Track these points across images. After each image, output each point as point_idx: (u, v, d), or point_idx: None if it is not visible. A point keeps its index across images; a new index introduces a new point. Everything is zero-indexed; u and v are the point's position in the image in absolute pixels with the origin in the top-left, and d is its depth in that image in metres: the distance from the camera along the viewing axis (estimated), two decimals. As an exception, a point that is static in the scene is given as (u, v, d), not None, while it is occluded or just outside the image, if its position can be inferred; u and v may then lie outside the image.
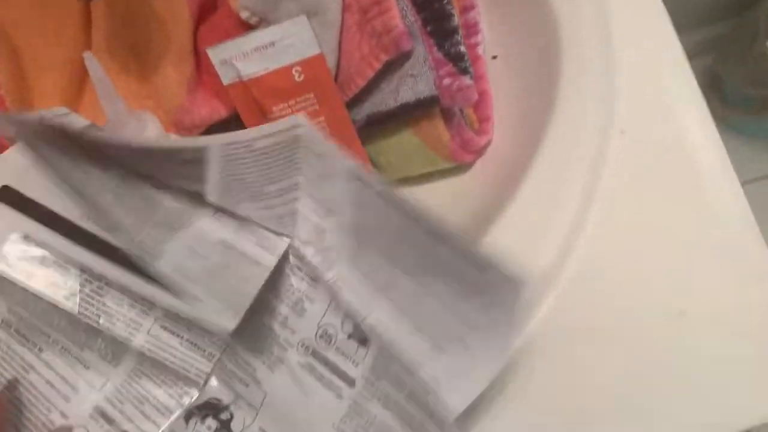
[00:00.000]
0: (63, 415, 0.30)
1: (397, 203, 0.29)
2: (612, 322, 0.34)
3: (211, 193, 0.30)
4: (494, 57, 0.42)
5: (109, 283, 0.30)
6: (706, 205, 0.34)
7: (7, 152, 0.30)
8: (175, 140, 0.36)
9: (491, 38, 0.42)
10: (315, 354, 0.31)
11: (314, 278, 0.31)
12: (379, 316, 0.31)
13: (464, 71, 0.36)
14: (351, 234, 0.31)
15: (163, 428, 0.30)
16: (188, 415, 0.31)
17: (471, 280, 0.29)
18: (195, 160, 0.29)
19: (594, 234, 0.34)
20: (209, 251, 0.30)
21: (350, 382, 0.30)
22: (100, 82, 0.32)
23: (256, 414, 0.31)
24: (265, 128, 0.30)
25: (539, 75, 0.39)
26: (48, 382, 0.31)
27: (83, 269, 0.30)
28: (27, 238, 0.29)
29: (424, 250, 0.29)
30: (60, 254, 0.29)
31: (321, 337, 0.31)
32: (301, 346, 0.31)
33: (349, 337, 0.31)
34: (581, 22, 0.37)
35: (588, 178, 0.35)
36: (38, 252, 0.30)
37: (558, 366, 0.33)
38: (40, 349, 0.31)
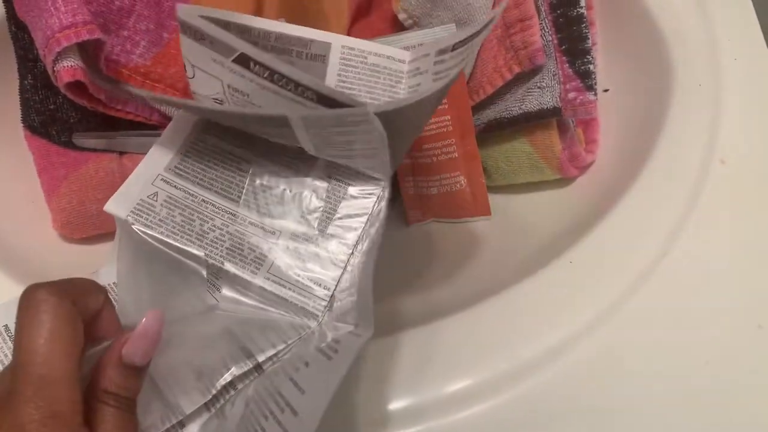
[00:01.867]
0: None
1: None
2: (695, 326, 0.37)
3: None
4: (606, 90, 0.47)
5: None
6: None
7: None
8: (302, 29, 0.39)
9: (605, 73, 0.47)
10: None
11: None
12: None
13: (589, 88, 0.40)
14: None
15: None
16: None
17: None
18: (317, 56, 0.35)
19: (688, 245, 0.38)
20: None
21: None
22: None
23: None
24: (382, 48, 0.35)
25: (646, 110, 0.44)
26: None
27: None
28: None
29: None
30: None
31: None
32: None
33: None
34: (695, 66, 0.42)
35: (688, 196, 0.39)
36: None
37: (632, 362, 0.36)
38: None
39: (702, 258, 0.38)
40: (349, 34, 0.47)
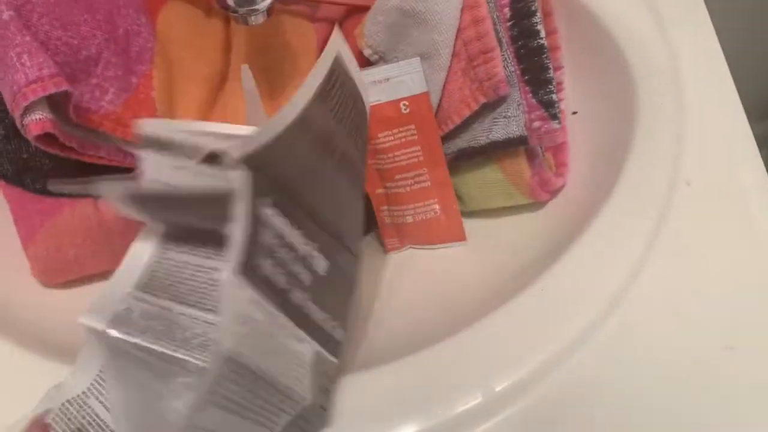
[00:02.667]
0: None
1: None
2: (663, 354, 0.37)
3: None
4: (574, 113, 0.48)
5: None
6: (757, 249, 0.38)
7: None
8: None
9: (573, 96, 0.48)
10: None
11: None
12: None
13: (553, 117, 0.41)
14: None
15: None
16: None
17: None
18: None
19: (657, 268, 0.38)
20: None
21: None
22: (250, 92, 0.38)
23: None
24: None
25: (614, 132, 0.45)
26: None
27: None
28: None
29: None
30: None
31: None
32: None
33: None
34: (658, 89, 0.43)
35: (655, 219, 0.39)
36: None
37: (607, 389, 0.36)
38: None
39: (671, 281, 0.38)
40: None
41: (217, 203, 0.31)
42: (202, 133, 0.36)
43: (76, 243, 0.43)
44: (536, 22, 0.40)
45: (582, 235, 0.41)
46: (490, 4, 0.41)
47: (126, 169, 0.46)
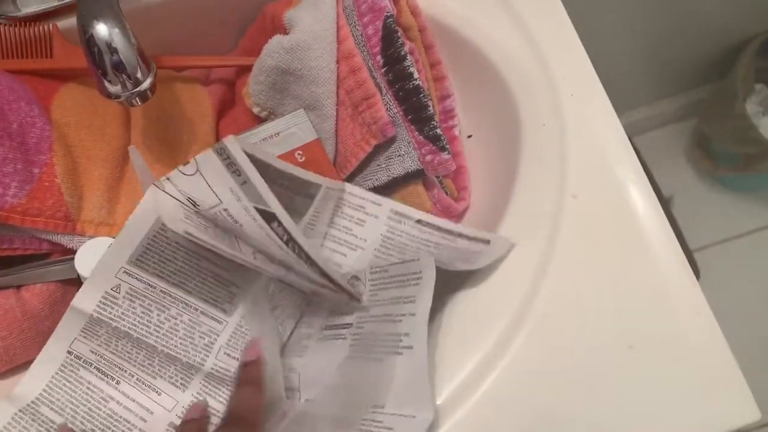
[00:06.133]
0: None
1: None
2: (571, 356, 0.39)
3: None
4: (469, 136, 0.50)
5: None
6: (645, 252, 0.40)
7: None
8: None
9: (467, 120, 0.50)
10: None
11: None
12: None
13: (442, 149, 0.43)
14: None
15: None
16: None
17: None
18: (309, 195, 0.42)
19: (555, 279, 0.40)
20: None
21: None
22: (141, 170, 0.40)
23: None
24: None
25: (505, 150, 0.46)
26: (126, 408, 0.37)
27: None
28: None
29: None
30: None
31: None
32: None
33: None
34: (537, 107, 0.45)
35: (547, 234, 0.41)
36: None
37: (523, 390, 0.38)
38: (117, 382, 0.38)
39: (569, 292, 0.40)
40: (217, 131, 0.49)
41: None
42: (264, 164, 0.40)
43: (2, 336, 0.44)
44: (408, 66, 0.42)
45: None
46: (364, 53, 0.43)
47: (44, 256, 0.47)
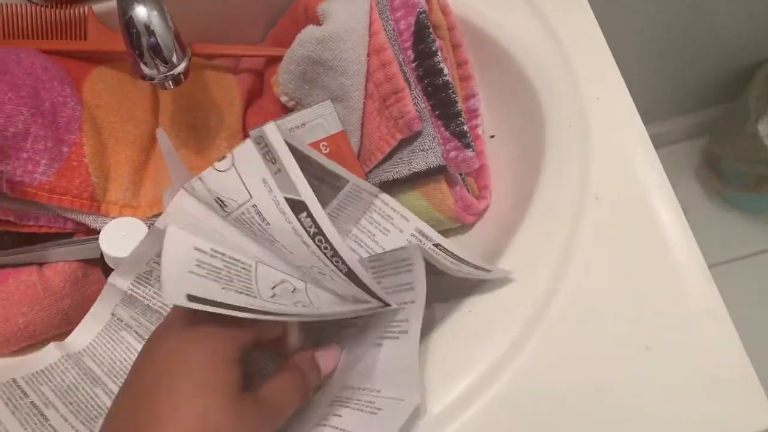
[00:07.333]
0: None
1: None
2: (588, 356, 0.39)
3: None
4: (492, 136, 0.50)
5: None
6: (665, 255, 0.41)
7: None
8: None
9: (490, 120, 0.50)
10: None
11: None
12: None
13: (467, 146, 0.43)
14: None
15: None
16: None
17: None
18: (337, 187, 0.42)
19: (574, 279, 0.41)
20: None
21: None
22: (168, 153, 0.40)
23: None
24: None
25: (528, 151, 0.47)
26: None
27: None
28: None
29: None
30: None
31: None
32: None
33: None
34: (562, 109, 0.45)
35: (568, 234, 0.42)
36: None
37: (539, 389, 0.39)
38: None
39: (587, 292, 0.41)
40: (244, 119, 0.50)
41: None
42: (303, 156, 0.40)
43: (23, 311, 0.45)
44: (438, 61, 0.43)
45: (503, 256, 0.43)
46: (395, 48, 0.44)
47: (68, 234, 0.48)
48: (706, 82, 1.16)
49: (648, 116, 1.22)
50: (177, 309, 0.33)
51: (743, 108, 1.12)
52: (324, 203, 0.42)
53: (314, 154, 0.41)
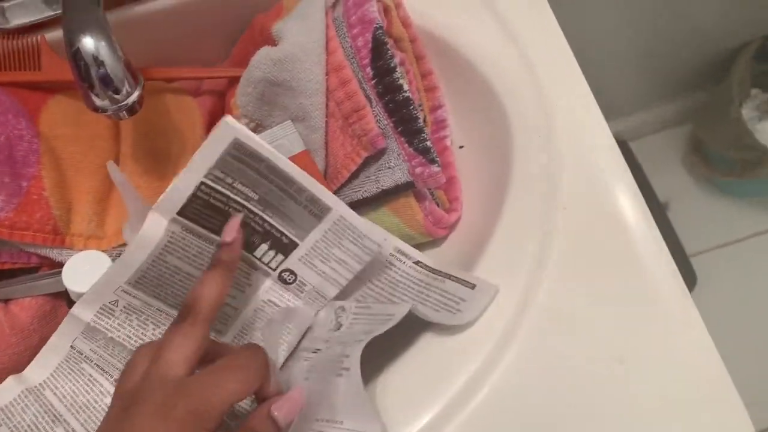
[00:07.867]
0: None
1: None
2: (562, 369, 0.39)
3: None
4: (461, 146, 0.49)
5: None
6: (636, 264, 0.40)
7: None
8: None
9: (459, 130, 0.49)
10: None
11: None
12: None
13: (432, 161, 0.43)
14: None
15: None
16: None
17: None
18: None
19: (545, 291, 0.40)
20: None
21: None
22: (122, 185, 0.39)
23: None
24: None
25: (497, 161, 0.46)
26: None
27: None
28: None
29: None
30: None
31: None
32: None
33: None
34: (527, 117, 0.44)
35: (539, 244, 0.41)
36: None
37: (513, 402, 0.38)
38: (115, 380, 0.38)
39: (559, 303, 0.40)
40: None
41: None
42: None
43: (-10, 350, 0.44)
44: (397, 78, 0.42)
45: (475, 269, 0.42)
46: (354, 65, 0.43)
47: (33, 269, 0.47)
48: (688, 67, 1.16)
49: (632, 104, 1.22)
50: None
51: (726, 92, 1.11)
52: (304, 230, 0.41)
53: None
